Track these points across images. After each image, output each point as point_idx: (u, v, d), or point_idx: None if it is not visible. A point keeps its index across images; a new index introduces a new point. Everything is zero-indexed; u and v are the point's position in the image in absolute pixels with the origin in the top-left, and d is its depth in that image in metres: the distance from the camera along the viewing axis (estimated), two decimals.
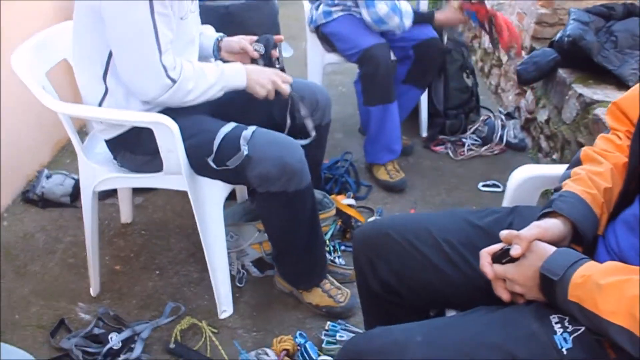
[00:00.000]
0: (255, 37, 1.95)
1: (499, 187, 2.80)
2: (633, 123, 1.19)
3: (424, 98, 3.15)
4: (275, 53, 1.93)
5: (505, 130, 3.14)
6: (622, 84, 2.58)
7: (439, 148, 3.14)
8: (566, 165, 1.28)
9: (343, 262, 2.27)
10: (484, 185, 2.82)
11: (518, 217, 1.27)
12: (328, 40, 2.84)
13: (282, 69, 1.91)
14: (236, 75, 1.78)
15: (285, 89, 1.82)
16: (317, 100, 2.00)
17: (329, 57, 2.95)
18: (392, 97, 2.70)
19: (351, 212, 2.39)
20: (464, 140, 3.15)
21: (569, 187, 1.14)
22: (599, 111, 2.43)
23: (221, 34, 2.04)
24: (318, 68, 3.00)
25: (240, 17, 2.81)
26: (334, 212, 2.32)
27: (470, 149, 3.10)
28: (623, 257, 1.05)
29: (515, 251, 1.04)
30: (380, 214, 2.60)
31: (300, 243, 1.92)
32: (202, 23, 2.04)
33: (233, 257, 2.19)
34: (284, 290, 2.14)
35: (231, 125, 1.75)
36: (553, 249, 1.03)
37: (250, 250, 2.19)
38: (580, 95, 2.56)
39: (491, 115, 3.22)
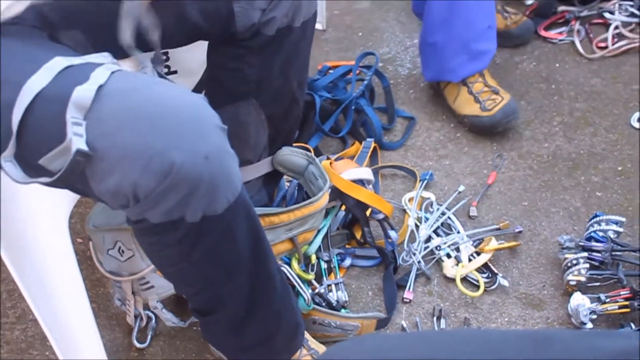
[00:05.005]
0: None
1: None
2: None
3: None
4: None
5: None
6: None
7: (556, 33, 1.79)
8: None
9: (344, 298, 1.15)
10: None
11: None
12: None
13: None
14: None
15: None
16: None
17: None
18: None
19: (365, 196, 1.20)
20: (606, 15, 1.77)
21: None
22: None
23: None
24: None
25: None
26: (325, 200, 1.12)
27: (620, 36, 1.72)
28: None
29: None
30: (428, 180, 1.39)
31: (234, 300, 0.91)
32: None
33: (126, 289, 1.11)
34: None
35: (57, 65, 0.73)
36: None
37: (157, 279, 1.09)
38: None
39: None
